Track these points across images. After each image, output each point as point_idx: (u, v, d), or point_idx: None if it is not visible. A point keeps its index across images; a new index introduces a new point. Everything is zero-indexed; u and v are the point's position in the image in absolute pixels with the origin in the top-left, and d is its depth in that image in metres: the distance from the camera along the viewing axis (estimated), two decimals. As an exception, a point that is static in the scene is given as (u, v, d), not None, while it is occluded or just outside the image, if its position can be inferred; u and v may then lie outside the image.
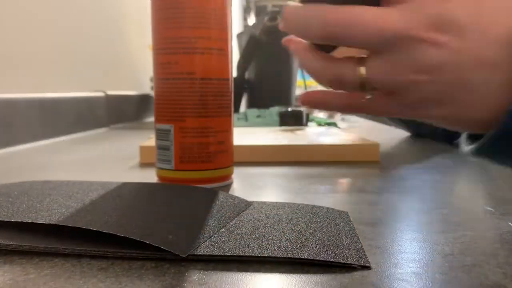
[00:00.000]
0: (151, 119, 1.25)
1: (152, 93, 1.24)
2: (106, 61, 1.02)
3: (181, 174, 0.33)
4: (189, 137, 0.33)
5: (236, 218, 0.25)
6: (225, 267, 0.19)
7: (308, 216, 0.25)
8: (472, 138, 0.26)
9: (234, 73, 1.08)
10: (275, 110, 0.84)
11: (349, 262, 0.19)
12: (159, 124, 0.34)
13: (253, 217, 0.25)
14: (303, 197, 0.32)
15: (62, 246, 0.21)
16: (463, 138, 0.28)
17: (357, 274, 0.18)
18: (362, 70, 0.24)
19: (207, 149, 0.33)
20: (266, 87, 1.13)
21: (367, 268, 0.19)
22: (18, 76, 0.66)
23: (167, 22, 0.33)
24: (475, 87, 0.21)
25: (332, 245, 0.21)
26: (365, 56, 0.24)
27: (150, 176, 0.39)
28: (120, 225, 0.22)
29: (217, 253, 0.20)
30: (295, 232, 0.22)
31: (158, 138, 0.34)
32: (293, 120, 0.78)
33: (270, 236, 0.22)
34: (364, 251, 0.20)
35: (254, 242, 0.21)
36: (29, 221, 0.22)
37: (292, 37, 0.28)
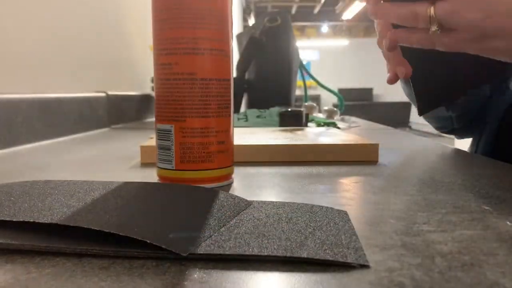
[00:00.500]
0: (151, 119, 1.25)
1: (153, 93, 1.24)
2: (107, 62, 1.02)
3: (182, 174, 0.34)
4: (189, 137, 0.33)
5: (236, 217, 0.25)
6: (226, 266, 0.19)
7: (307, 216, 0.25)
8: None
9: (234, 73, 1.08)
10: (275, 110, 0.84)
11: (348, 261, 0.19)
12: (160, 124, 0.34)
13: (253, 216, 0.25)
14: (302, 196, 0.32)
15: (63, 245, 0.21)
16: None
17: (356, 273, 0.18)
18: (432, 9, 0.34)
19: (207, 149, 0.34)
20: (266, 87, 1.13)
21: (366, 267, 0.19)
22: (19, 76, 0.66)
23: (168, 22, 0.33)
24: None
25: (331, 244, 0.21)
26: None
27: (151, 176, 0.39)
28: (121, 224, 0.22)
29: (217, 252, 0.20)
30: (294, 231, 0.23)
31: (159, 138, 0.35)
32: (293, 120, 0.78)
33: (269, 235, 0.22)
34: (363, 250, 0.20)
35: (254, 241, 0.21)
36: (31, 221, 0.23)
37: None
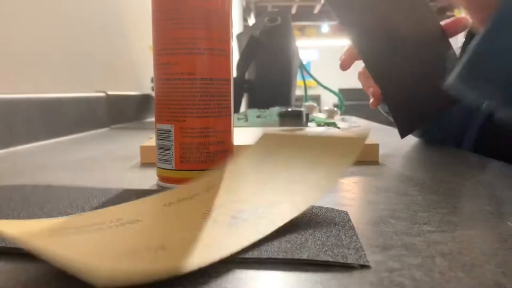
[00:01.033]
0: (151, 119, 1.25)
1: (152, 93, 1.24)
2: (107, 62, 1.02)
3: (182, 174, 0.34)
4: (189, 137, 0.33)
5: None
6: (225, 266, 0.19)
7: (307, 216, 0.25)
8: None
9: (234, 73, 1.08)
10: (275, 110, 0.84)
11: (349, 262, 0.19)
12: (160, 124, 0.34)
13: (253, 217, 0.25)
14: (303, 197, 0.32)
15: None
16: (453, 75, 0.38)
17: (356, 274, 0.18)
18: None
19: (207, 149, 0.34)
20: (266, 87, 1.13)
21: (367, 267, 0.19)
22: (18, 76, 0.66)
23: (168, 22, 0.33)
24: None
25: (332, 245, 0.21)
26: None
27: (151, 176, 0.39)
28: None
29: (215, 255, 0.20)
30: (294, 232, 0.23)
31: (159, 138, 0.34)
32: (293, 120, 0.78)
33: (269, 237, 0.22)
34: (363, 251, 0.20)
35: (254, 244, 0.21)
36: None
37: None
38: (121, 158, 0.51)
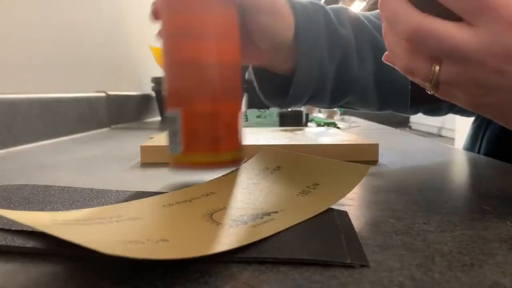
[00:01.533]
0: (151, 119, 1.25)
1: (153, 93, 1.24)
2: (107, 62, 1.02)
3: (191, 158, 0.33)
4: (197, 121, 0.33)
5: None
6: (225, 266, 0.19)
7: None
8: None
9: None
10: (275, 110, 0.84)
11: (348, 262, 0.19)
12: (168, 109, 0.34)
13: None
14: (303, 197, 0.32)
15: (63, 248, 0.21)
16: None
17: (356, 273, 0.18)
18: (437, 69, 0.27)
19: (215, 133, 0.33)
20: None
21: (366, 267, 0.19)
22: (19, 76, 0.66)
23: (175, 7, 0.33)
24: None
25: (332, 244, 0.21)
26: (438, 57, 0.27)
27: (151, 176, 0.39)
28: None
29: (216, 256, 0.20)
30: (294, 232, 0.23)
31: (167, 123, 0.34)
32: (293, 120, 0.79)
33: (269, 237, 0.22)
34: (363, 251, 0.20)
35: (254, 243, 0.21)
36: (29, 230, 0.22)
37: None
38: (122, 158, 0.51)
